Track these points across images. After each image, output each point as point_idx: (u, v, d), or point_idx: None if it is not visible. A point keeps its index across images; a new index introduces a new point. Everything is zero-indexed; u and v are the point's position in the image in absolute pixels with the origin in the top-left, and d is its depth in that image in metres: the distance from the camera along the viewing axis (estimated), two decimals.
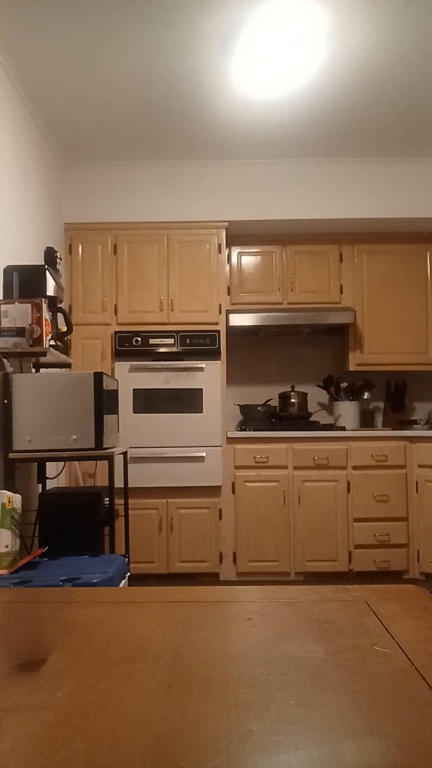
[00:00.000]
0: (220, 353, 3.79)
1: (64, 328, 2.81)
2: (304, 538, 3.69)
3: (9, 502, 2.06)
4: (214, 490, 3.74)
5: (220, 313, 3.86)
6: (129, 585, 2.40)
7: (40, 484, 2.99)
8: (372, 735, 0.42)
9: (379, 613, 0.75)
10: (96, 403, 2.40)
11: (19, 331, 2.41)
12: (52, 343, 2.63)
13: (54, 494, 2.52)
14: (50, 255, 2.91)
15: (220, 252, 3.89)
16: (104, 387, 2.45)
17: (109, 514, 2.51)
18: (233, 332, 4.23)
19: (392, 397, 4.25)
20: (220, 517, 3.72)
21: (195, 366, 3.76)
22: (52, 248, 2.93)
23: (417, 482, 3.70)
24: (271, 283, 4.08)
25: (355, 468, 3.72)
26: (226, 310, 3.93)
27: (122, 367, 3.76)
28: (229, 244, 4.10)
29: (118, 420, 3.12)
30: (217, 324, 3.85)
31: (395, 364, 4.06)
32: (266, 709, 0.46)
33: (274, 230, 4.07)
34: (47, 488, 2.94)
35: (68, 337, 2.91)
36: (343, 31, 2.66)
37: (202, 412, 3.75)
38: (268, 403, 4.23)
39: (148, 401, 3.75)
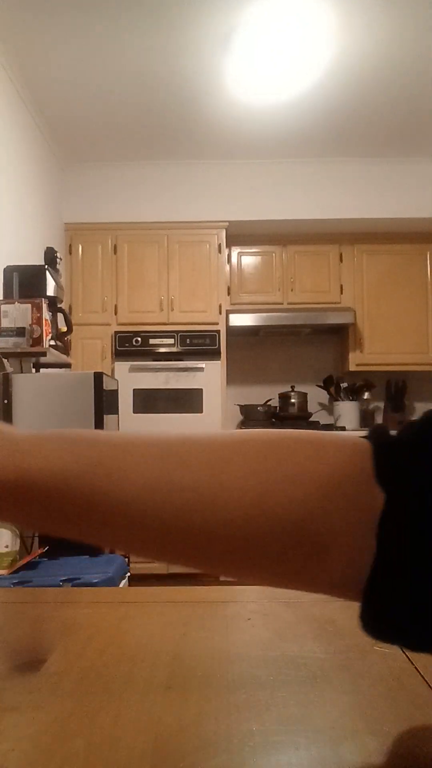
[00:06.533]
0: (220, 353, 3.78)
1: (64, 328, 2.81)
2: None
3: None
4: None
5: (220, 313, 3.86)
6: (129, 585, 2.40)
7: None
8: (372, 735, 0.42)
9: None
10: (96, 403, 2.40)
11: (19, 331, 2.41)
12: (52, 343, 2.63)
13: None
14: (50, 255, 2.91)
15: (220, 252, 3.89)
16: (104, 387, 2.45)
17: None
18: (233, 332, 4.23)
19: (392, 397, 4.25)
20: None
21: (195, 366, 3.76)
22: (52, 248, 2.94)
23: None
24: (271, 283, 4.08)
25: None
26: (226, 310, 3.93)
27: (122, 367, 3.76)
28: (229, 244, 4.09)
29: (118, 420, 3.12)
30: (217, 324, 3.85)
31: (395, 364, 4.06)
32: (266, 709, 0.46)
33: (274, 230, 4.07)
34: None
35: (68, 337, 2.91)
36: (343, 31, 2.66)
37: (202, 412, 3.74)
38: (268, 403, 4.22)
39: (148, 401, 3.75)
